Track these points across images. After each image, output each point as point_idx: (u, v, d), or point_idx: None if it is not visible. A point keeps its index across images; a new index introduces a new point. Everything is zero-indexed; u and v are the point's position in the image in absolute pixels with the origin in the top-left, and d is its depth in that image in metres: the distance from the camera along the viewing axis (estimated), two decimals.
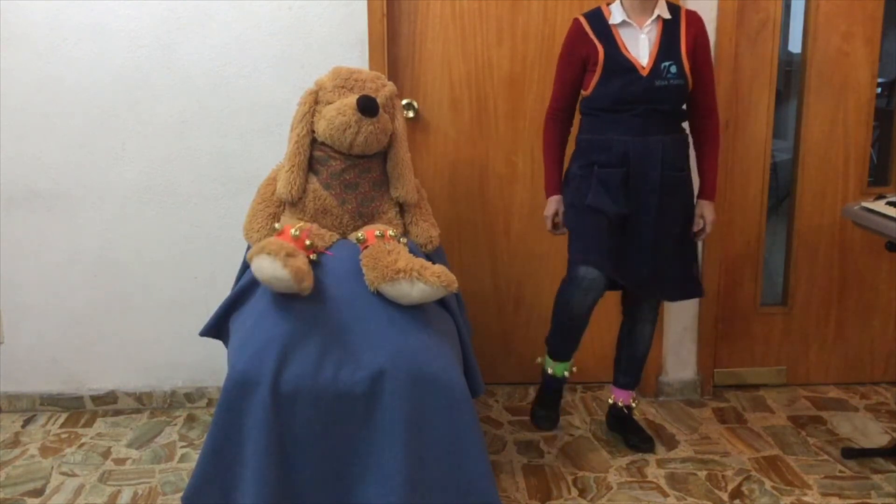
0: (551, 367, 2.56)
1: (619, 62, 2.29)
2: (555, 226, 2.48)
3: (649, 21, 2.30)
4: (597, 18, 2.34)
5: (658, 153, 2.31)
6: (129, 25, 2.68)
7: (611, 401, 2.70)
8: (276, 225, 2.12)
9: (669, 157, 2.33)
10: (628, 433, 2.64)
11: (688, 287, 2.49)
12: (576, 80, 2.39)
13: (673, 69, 2.27)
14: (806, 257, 3.01)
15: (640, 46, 2.29)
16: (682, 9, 2.36)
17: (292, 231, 2.04)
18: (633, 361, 2.63)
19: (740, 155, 2.90)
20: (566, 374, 2.57)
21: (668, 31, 2.31)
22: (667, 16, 2.31)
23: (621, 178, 2.33)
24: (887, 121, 3.33)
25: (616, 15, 2.31)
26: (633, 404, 2.67)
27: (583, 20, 2.35)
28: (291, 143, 2.22)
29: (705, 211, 2.44)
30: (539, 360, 2.63)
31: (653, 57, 2.28)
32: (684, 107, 2.40)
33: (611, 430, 2.70)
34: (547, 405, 2.61)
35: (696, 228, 2.45)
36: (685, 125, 2.44)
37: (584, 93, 2.39)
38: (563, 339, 2.51)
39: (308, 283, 1.94)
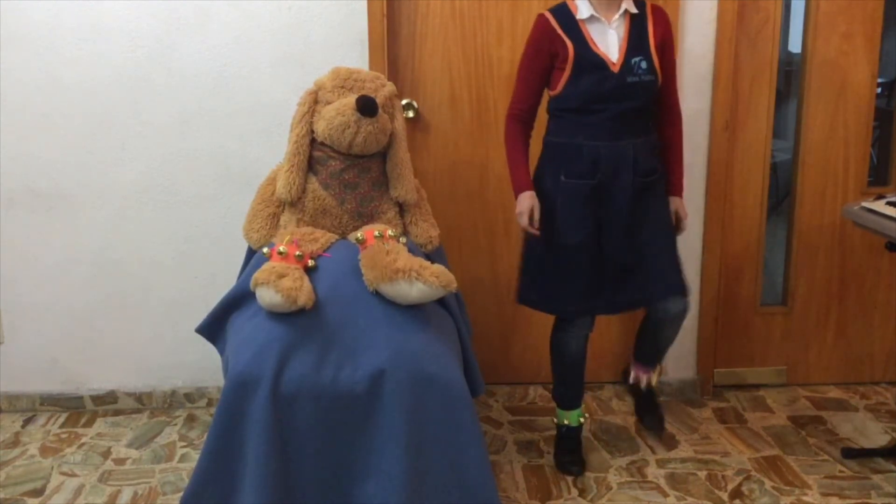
0: (565, 419, 2.55)
1: (589, 59, 2.20)
2: (531, 223, 2.33)
3: (617, 16, 2.24)
4: (563, 13, 2.24)
5: (629, 158, 2.25)
6: (129, 25, 2.68)
7: (632, 378, 2.60)
8: (264, 250, 2.11)
9: (641, 162, 2.27)
10: (642, 409, 2.59)
11: (672, 282, 2.32)
12: (542, 80, 2.30)
13: (643, 65, 2.21)
14: (806, 257, 3.00)
15: (610, 42, 2.22)
16: (647, 4, 2.29)
17: (279, 249, 2.04)
18: (655, 347, 2.51)
19: (740, 155, 2.90)
20: (581, 420, 2.56)
21: (636, 26, 2.25)
22: (634, 10, 2.25)
23: (589, 190, 2.26)
24: (887, 121, 3.33)
25: (583, 10, 2.22)
26: (654, 381, 2.57)
27: (549, 16, 2.25)
28: (291, 144, 2.22)
29: (678, 207, 2.41)
30: (555, 419, 2.60)
31: (622, 52, 2.21)
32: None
33: (625, 395, 2.64)
34: (570, 451, 2.54)
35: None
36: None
37: (551, 93, 2.30)
38: (568, 383, 2.52)
39: (304, 300, 1.93)
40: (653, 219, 2.32)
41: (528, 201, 2.31)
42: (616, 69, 2.20)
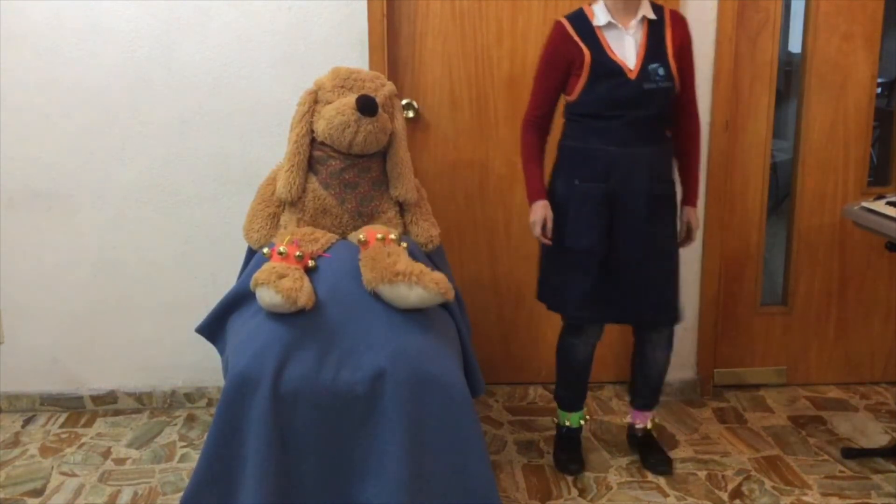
0: (567, 420, 2.55)
1: (606, 65, 2.19)
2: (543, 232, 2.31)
3: (634, 22, 2.22)
4: (580, 20, 2.24)
5: (645, 165, 2.24)
6: (129, 25, 2.68)
7: (628, 421, 2.62)
8: (265, 251, 2.12)
9: (657, 170, 2.26)
10: (646, 453, 2.54)
11: (665, 311, 2.37)
12: (559, 86, 2.28)
13: (661, 71, 2.20)
14: (806, 257, 3.01)
15: (627, 48, 2.21)
16: (665, 9, 2.29)
17: (279, 250, 2.04)
18: (648, 385, 2.53)
19: (740, 155, 2.90)
20: (581, 422, 2.56)
21: (654, 33, 2.23)
22: (651, 16, 2.24)
23: (602, 194, 2.24)
24: (887, 121, 3.34)
25: (600, 16, 2.22)
26: (650, 425, 2.57)
27: (565, 22, 2.24)
28: (291, 143, 2.22)
29: (691, 218, 2.39)
30: (556, 419, 2.60)
31: (640, 59, 2.20)
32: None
33: (630, 449, 2.60)
34: (569, 450, 2.55)
35: (680, 237, 2.40)
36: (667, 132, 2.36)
37: (568, 98, 2.29)
38: (572, 387, 2.52)
39: (304, 300, 1.93)
40: (660, 239, 2.31)
41: (541, 211, 2.31)
42: (633, 76, 2.19)
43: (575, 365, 2.48)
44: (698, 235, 2.86)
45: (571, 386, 2.53)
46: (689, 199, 2.40)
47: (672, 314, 2.39)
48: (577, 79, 2.24)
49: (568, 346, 2.47)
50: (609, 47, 2.21)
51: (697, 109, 2.38)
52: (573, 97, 2.27)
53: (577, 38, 2.22)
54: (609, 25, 2.22)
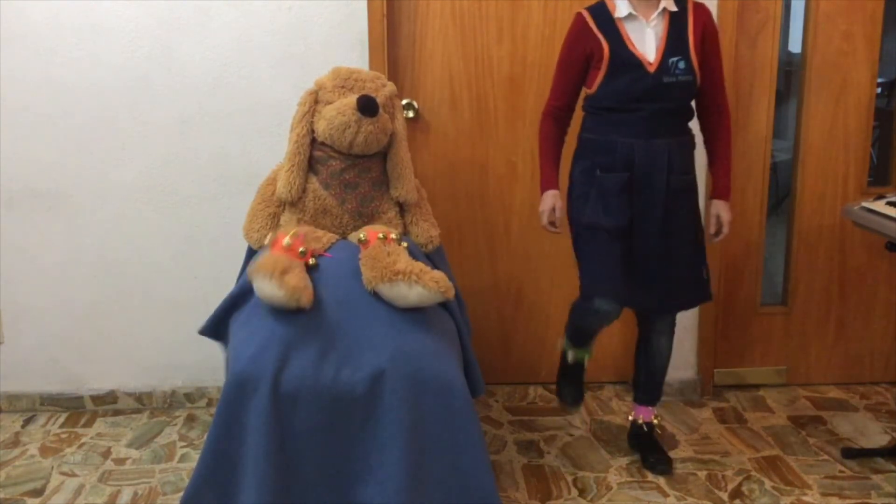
0: (571, 353, 2.51)
1: (624, 58, 2.18)
2: (551, 223, 2.35)
3: (656, 14, 2.20)
4: (601, 12, 2.23)
5: (664, 158, 2.23)
6: (129, 26, 2.68)
7: (631, 418, 2.61)
8: (266, 240, 2.11)
9: (676, 162, 2.26)
10: (647, 452, 2.53)
11: (698, 293, 2.41)
12: (578, 78, 2.30)
13: (681, 65, 2.19)
14: (806, 257, 3.01)
15: (647, 41, 2.20)
16: (688, 1, 2.26)
17: (284, 241, 2.04)
18: (652, 377, 2.54)
19: (740, 155, 2.90)
20: (587, 357, 2.52)
21: (676, 25, 2.21)
22: (673, 8, 2.22)
23: (624, 183, 2.24)
24: (887, 121, 3.34)
25: (621, 8, 2.20)
26: (656, 421, 2.57)
27: (586, 14, 2.24)
28: (291, 143, 2.22)
29: (721, 211, 2.36)
30: (558, 345, 2.55)
31: (660, 52, 2.19)
32: (692, 104, 2.32)
33: (631, 449, 2.59)
34: (571, 381, 2.53)
35: (712, 230, 2.39)
36: (691, 125, 2.35)
37: (587, 91, 2.30)
38: (581, 337, 2.49)
39: (305, 299, 1.93)
40: (679, 231, 2.31)
41: (550, 201, 2.32)
42: (652, 69, 2.18)
43: (585, 334, 2.45)
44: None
45: (580, 336, 2.47)
46: (719, 192, 2.38)
47: (702, 293, 2.41)
48: (596, 72, 2.24)
49: (581, 319, 2.40)
50: (629, 40, 2.20)
51: (727, 102, 2.36)
52: (592, 90, 2.27)
53: (596, 30, 2.22)
54: (630, 17, 2.21)
